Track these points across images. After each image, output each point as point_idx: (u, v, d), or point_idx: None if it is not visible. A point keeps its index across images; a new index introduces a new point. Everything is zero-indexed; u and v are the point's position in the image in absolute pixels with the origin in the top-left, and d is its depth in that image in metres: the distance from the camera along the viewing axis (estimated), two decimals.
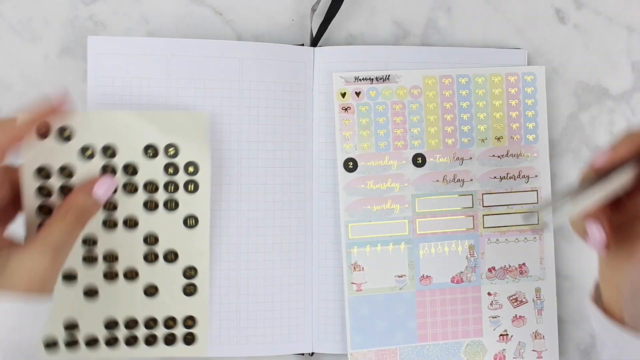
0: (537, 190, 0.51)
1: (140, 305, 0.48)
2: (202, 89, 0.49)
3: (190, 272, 0.48)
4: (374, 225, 0.51)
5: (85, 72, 0.50)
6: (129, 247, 0.47)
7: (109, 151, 0.46)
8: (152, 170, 0.47)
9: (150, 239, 0.47)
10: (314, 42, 0.51)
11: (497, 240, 0.51)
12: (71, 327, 0.47)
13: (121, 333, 0.48)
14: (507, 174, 0.51)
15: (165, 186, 0.47)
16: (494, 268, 0.51)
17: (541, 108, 0.52)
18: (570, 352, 0.53)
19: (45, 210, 0.45)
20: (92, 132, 0.45)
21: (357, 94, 0.50)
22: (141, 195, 0.47)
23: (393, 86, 0.50)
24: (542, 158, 0.52)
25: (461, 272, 0.51)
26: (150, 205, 0.47)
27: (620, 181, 0.33)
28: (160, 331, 0.48)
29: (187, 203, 0.47)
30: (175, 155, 0.47)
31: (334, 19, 0.50)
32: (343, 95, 0.50)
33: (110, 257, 0.47)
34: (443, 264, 0.51)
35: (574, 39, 0.54)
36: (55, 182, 0.45)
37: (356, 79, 0.50)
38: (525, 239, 0.51)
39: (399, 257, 0.51)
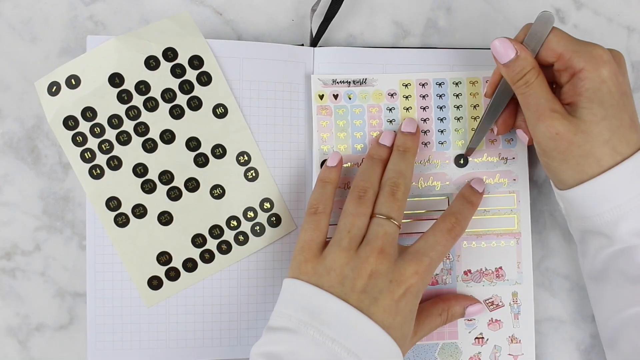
0: (515, 194, 0.51)
1: (215, 209, 0.48)
2: None
3: (243, 158, 0.48)
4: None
5: None
6: (177, 160, 0.48)
7: (116, 80, 0.47)
8: (161, 79, 0.47)
9: (192, 144, 0.48)
10: (314, 42, 0.51)
11: (474, 243, 0.51)
12: (164, 259, 0.48)
13: (212, 244, 0.48)
14: (485, 177, 0.51)
15: (181, 88, 0.47)
16: (470, 271, 0.51)
17: None
18: (570, 352, 0.53)
19: (88, 156, 0.47)
20: (94, 70, 0.46)
21: (335, 96, 0.50)
22: (164, 107, 0.47)
23: (370, 89, 0.51)
24: (521, 161, 0.51)
25: (437, 274, 0.51)
26: (176, 112, 0.47)
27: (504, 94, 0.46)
28: (245, 226, 0.49)
29: (208, 95, 0.48)
30: (176, 56, 0.47)
31: (333, 19, 0.50)
32: (321, 97, 0.50)
33: (166, 177, 0.48)
34: None
35: None
36: (84, 127, 0.47)
37: (334, 81, 0.50)
38: (503, 242, 0.51)
39: None
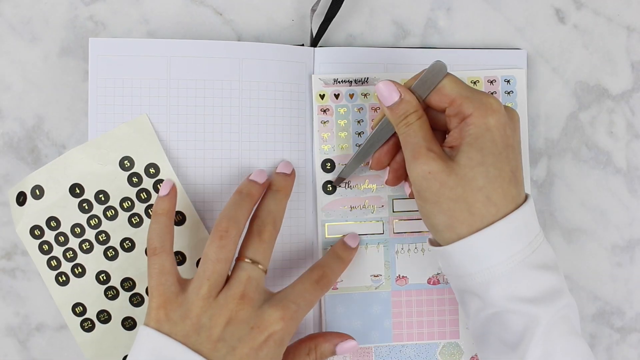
0: None
1: None
2: (203, 89, 0.49)
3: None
4: (350, 224, 0.51)
5: (85, 72, 0.50)
6: (138, 267, 0.48)
7: (77, 190, 0.48)
8: (119, 188, 0.48)
9: None
10: (314, 42, 0.51)
11: None
12: None
13: None
14: None
15: (138, 197, 0.48)
16: None
17: (521, 111, 0.52)
18: None
19: (54, 264, 0.48)
20: (56, 181, 0.48)
21: (336, 96, 0.50)
22: (123, 215, 0.48)
23: (371, 89, 0.51)
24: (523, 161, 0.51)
25: (438, 274, 0.51)
26: (135, 220, 0.48)
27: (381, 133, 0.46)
28: None
29: None
30: (132, 165, 0.48)
31: (334, 20, 0.50)
32: (322, 97, 0.50)
33: (128, 284, 0.49)
34: (420, 264, 0.51)
35: (574, 39, 0.54)
36: (49, 236, 0.48)
37: (335, 81, 0.50)
38: None
39: (375, 257, 0.51)
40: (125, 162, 0.48)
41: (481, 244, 0.41)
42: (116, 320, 0.49)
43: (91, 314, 0.48)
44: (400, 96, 0.43)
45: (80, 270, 0.48)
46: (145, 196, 0.48)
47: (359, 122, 0.51)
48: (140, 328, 0.42)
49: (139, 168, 0.48)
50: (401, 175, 0.47)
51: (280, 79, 0.50)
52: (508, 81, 0.52)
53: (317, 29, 0.51)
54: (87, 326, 0.48)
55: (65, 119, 0.51)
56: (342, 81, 0.51)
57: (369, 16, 0.53)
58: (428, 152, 0.41)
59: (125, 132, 0.48)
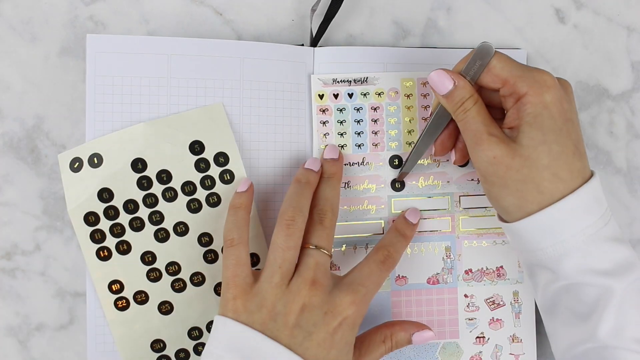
0: None
1: (216, 306, 0.48)
2: (203, 88, 0.49)
3: (252, 260, 0.48)
4: (350, 225, 0.51)
5: (85, 72, 0.50)
6: (187, 253, 0.48)
7: (139, 165, 0.46)
8: (184, 171, 0.47)
9: (204, 239, 0.48)
10: (314, 42, 0.51)
11: (475, 242, 0.51)
12: (158, 347, 0.48)
13: (207, 338, 0.48)
14: None
15: (202, 183, 0.47)
16: (470, 270, 0.51)
17: None
18: None
19: (97, 237, 0.47)
20: (118, 152, 0.46)
21: (335, 95, 0.50)
22: (182, 199, 0.47)
23: (371, 88, 0.51)
24: None
25: (437, 274, 0.51)
26: (194, 206, 0.47)
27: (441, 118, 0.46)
28: None
29: (228, 194, 0.48)
30: (202, 150, 0.47)
31: (333, 19, 0.50)
32: (321, 97, 0.50)
33: (173, 268, 0.48)
34: (419, 264, 0.51)
35: (574, 39, 0.54)
36: (98, 208, 0.47)
37: (334, 81, 0.50)
38: (503, 242, 0.51)
39: None
40: (196, 146, 0.47)
41: (553, 218, 0.41)
42: (153, 302, 0.48)
43: (128, 293, 0.47)
44: (454, 83, 0.43)
45: (125, 247, 0.47)
46: (210, 183, 0.47)
47: (358, 122, 0.51)
48: (216, 318, 0.43)
49: (208, 154, 0.47)
50: (448, 148, 0.48)
51: (280, 79, 0.50)
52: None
53: (317, 28, 0.51)
54: (122, 305, 0.48)
55: (65, 119, 0.51)
56: (341, 81, 0.51)
57: (369, 16, 0.53)
58: (490, 137, 0.42)
59: (200, 117, 0.47)
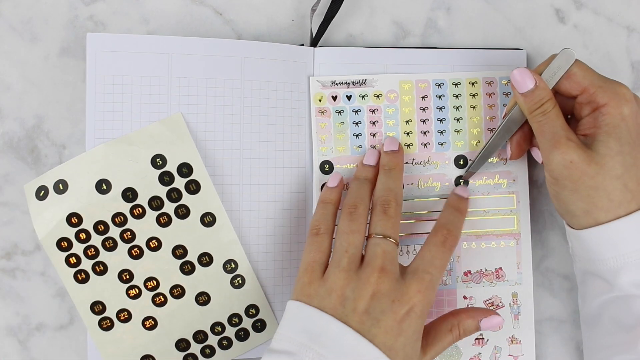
0: (515, 194, 0.51)
1: (200, 316, 0.48)
2: (204, 87, 0.49)
3: (230, 266, 0.48)
4: None
5: (85, 72, 0.50)
6: (163, 268, 0.48)
7: (103, 186, 0.47)
8: (149, 186, 0.47)
9: (178, 251, 0.48)
10: (314, 42, 0.51)
11: (474, 244, 0.51)
12: None
13: (195, 349, 0.48)
14: (484, 178, 0.51)
15: (168, 196, 0.47)
16: (469, 272, 0.51)
17: None
18: (570, 352, 0.53)
19: (73, 261, 0.47)
20: (82, 176, 0.46)
21: (334, 97, 0.50)
22: (151, 214, 0.47)
23: (369, 90, 0.51)
24: (520, 162, 0.51)
25: None
26: (163, 220, 0.47)
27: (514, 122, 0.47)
28: (230, 331, 0.49)
29: (196, 204, 0.47)
30: (165, 164, 0.47)
31: (333, 19, 0.50)
32: (319, 99, 0.50)
33: (152, 284, 0.48)
34: None
35: (574, 39, 0.54)
36: (69, 233, 0.47)
37: (333, 83, 0.50)
38: (502, 243, 0.51)
39: None
40: (158, 160, 0.47)
41: (620, 231, 0.42)
42: (137, 319, 0.48)
43: (110, 312, 0.48)
44: (536, 83, 0.44)
45: (101, 268, 0.47)
46: (176, 195, 0.47)
47: (356, 124, 0.51)
48: (289, 302, 0.43)
49: (171, 167, 0.47)
50: (524, 149, 0.49)
51: (280, 79, 0.50)
52: (505, 83, 0.52)
53: (317, 29, 0.51)
54: (106, 325, 0.48)
55: (65, 119, 0.51)
56: (339, 83, 0.51)
57: (369, 16, 0.53)
58: (568, 141, 0.43)
59: (159, 130, 0.47)
